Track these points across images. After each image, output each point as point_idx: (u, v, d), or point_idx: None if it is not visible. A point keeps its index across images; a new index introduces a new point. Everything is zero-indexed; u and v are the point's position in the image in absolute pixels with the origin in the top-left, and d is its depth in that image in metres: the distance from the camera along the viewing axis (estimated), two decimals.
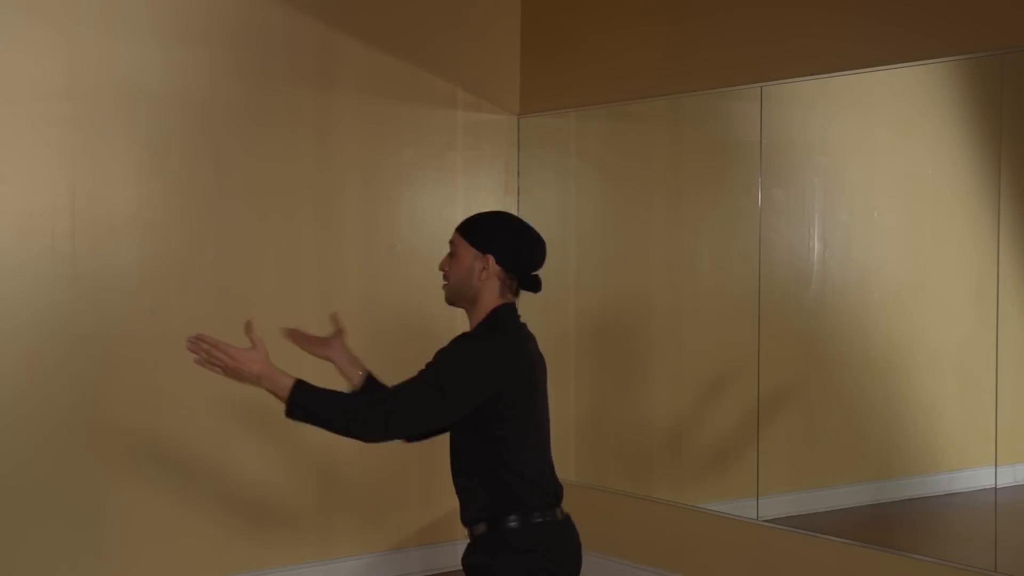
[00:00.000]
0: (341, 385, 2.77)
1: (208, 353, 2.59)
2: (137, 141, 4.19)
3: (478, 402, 2.53)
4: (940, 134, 4.30)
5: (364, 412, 2.50)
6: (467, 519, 2.67)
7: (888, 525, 4.27)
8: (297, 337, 2.90)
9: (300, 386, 2.53)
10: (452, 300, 2.72)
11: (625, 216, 5.00)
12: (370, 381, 2.87)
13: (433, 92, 4.98)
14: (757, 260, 4.37)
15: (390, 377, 4.89)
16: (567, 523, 2.71)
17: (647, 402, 4.94)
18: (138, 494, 4.21)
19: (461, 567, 2.72)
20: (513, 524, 2.58)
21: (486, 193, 5.15)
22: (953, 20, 3.71)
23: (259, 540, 4.51)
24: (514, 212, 5.26)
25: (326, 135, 4.68)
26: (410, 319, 4.83)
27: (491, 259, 2.63)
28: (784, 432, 4.48)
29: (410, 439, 2.76)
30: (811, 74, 4.12)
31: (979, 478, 3.83)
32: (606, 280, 5.06)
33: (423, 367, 2.57)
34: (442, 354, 2.58)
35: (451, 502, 5.11)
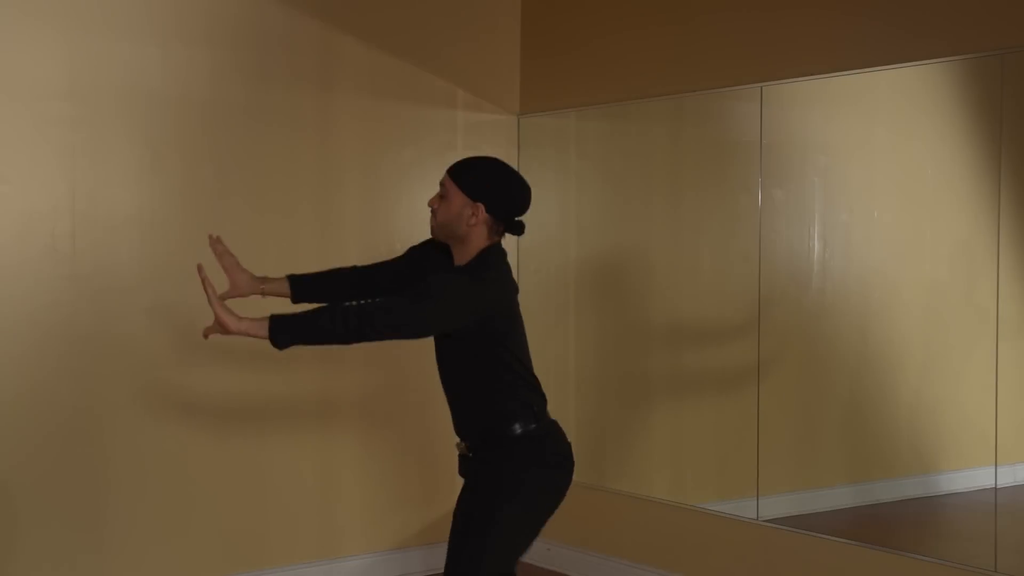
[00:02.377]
0: None
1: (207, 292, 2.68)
2: (137, 141, 4.19)
3: (465, 322, 2.73)
4: (940, 134, 4.30)
5: (368, 311, 2.62)
6: (476, 431, 2.89)
7: (888, 525, 4.28)
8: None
9: (275, 316, 2.62)
10: (438, 235, 2.92)
11: (625, 216, 5.00)
12: (295, 279, 3.09)
13: (433, 92, 4.98)
14: (757, 260, 4.37)
15: (393, 381, 4.89)
16: (556, 423, 2.98)
17: (648, 402, 4.94)
18: (138, 494, 4.21)
19: (462, 474, 2.96)
20: (524, 428, 2.83)
21: None
22: (953, 20, 3.71)
23: (259, 540, 4.51)
24: None
25: (326, 135, 4.68)
26: None
27: (481, 207, 2.83)
28: (784, 432, 4.48)
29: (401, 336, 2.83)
30: (811, 74, 4.12)
31: (979, 478, 3.83)
32: (606, 280, 5.06)
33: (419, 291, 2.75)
34: (438, 276, 2.81)
35: (452, 501, 5.10)
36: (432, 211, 2.90)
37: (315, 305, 2.71)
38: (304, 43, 4.61)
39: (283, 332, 2.59)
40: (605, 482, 4.94)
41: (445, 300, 2.69)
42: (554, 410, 2.99)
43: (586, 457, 5.07)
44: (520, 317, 2.92)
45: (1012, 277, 3.77)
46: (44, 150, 4.01)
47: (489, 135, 5.17)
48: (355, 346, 4.74)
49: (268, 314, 2.63)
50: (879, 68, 3.93)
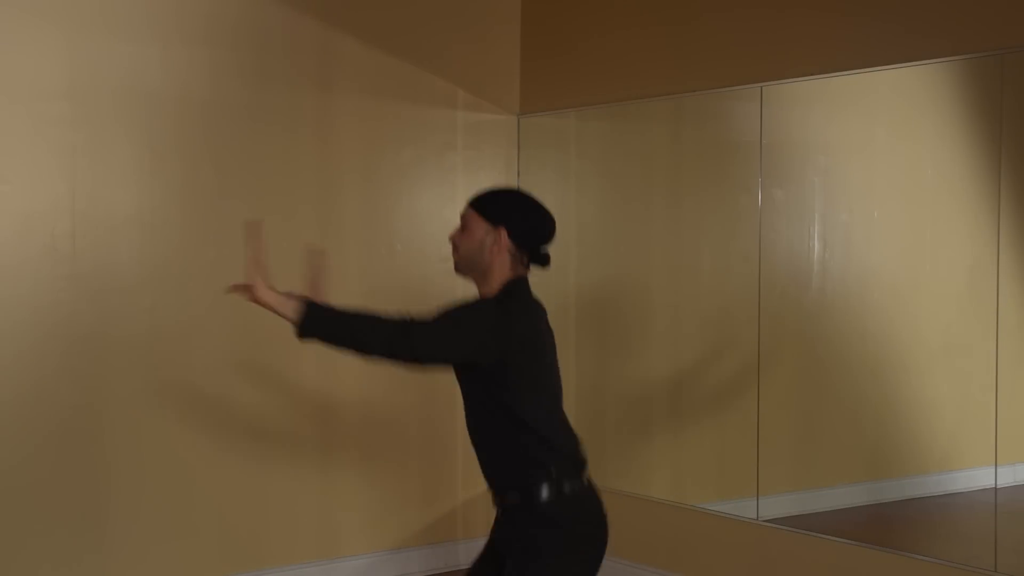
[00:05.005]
0: None
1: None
2: (137, 141, 4.19)
3: (484, 354, 2.57)
4: (940, 134, 4.30)
5: (389, 330, 2.50)
6: (498, 488, 2.72)
7: (888, 525, 4.27)
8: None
9: (311, 303, 2.53)
10: (462, 270, 2.78)
11: (625, 216, 5.00)
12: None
13: (433, 92, 4.98)
14: (757, 260, 4.37)
15: (393, 382, 4.89)
16: (593, 488, 2.76)
17: (648, 402, 4.94)
18: (139, 494, 4.21)
19: (492, 542, 2.78)
20: (545, 496, 2.62)
21: None
22: (953, 20, 3.71)
23: (259, 540, 4.51)
24: None
25: (326, 135, 4.68)
26: None
27: (503, 233, 2.70)
28: (784, 432, 4.48)
29: (420, 364, 2.68)
30: (811, 74, 4.12)
31: (979, 478, 3.83)
32: (606, 280, 5.06)
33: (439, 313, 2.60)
34: (460, 303, 2.63)
35: (451, 502, 5.11)
36: (453, 246, 2.77)
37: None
38: (304, 43, 4.61)
39: (313, 323, 2.50)
40: (605, 482, 4.91)
41: (472, 322, 2.57)
42: None
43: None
44: (546, 367, 2.74)
45: (1012, 277, 3.77)
46: (44, 150, 4.01)
47: (489, 135, 5.17)
48: None
49: (301, 297, 2.55)
50: (879, 68, 3.93)
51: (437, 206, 5.00)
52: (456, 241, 2.76)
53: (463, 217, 2.76)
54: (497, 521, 2.76)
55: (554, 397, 2.76)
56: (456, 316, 2.59)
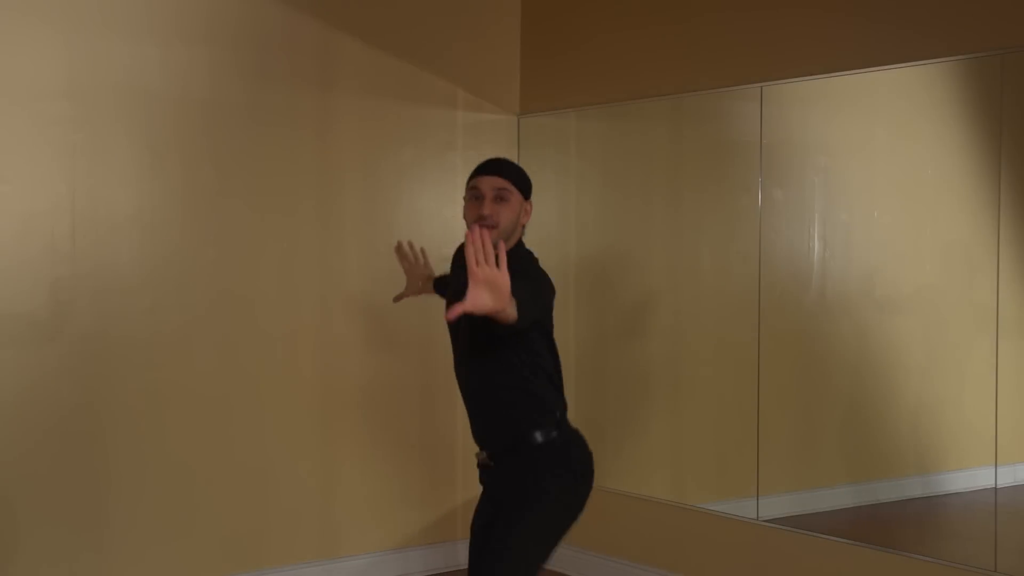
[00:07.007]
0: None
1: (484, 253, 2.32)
2: (137, 141, 4.20)
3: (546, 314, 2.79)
4: (940, 134, 4.30)
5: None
6: (499, 438, 2.85)
7: (888, 525, 4.27)
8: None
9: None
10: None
11: (625, 216, 5.00)
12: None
13: (433, 92, 4.98)
14: (757, 260, 4.37)
15: (393, 382, 4.88)
16: (579, 431, 2.98)
17: (647, 402, 4.94)
18: (138, 494, 4.21)
19: (488, 488, 2.92)
20: (546, 436, 2.81)
21: None
22: (953, 20, 3.71)
23: (259, 540, 4.51)
24: None
25: (326, 135, 4.68)
26: (411, 318, 4.83)
27: (530, 206, 2.93)
28: (784, 432, 4.48)
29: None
30: (811, 74, 4.12)
31: (979, 478, 3.83)
32: (606, 280, 5.06)
33: (520, 283, 2.47)
34: (524, 271, 2.70)
35: (452, 502, 5.09)
36: (491, 221, 2.76)
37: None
38: (304, 43, 4.61)
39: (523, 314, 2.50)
40: (605, 482, 4.93)
41: (544, 290, 2.76)
42: None
43: None
44: None
45: (1012, 277, 3.77)
46: (44, 150, 4.01)
47: (489, 135, 5.17)
48: (354, 343, 4.77)
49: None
50: (879, 68, 3.93)
51: (437, 206, 5.00)
52: (496, 216, 2.80)
53: (501, 189, 2.82)
54: (488, 475, 2.90)
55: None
56: (533, 288, 2.66)
